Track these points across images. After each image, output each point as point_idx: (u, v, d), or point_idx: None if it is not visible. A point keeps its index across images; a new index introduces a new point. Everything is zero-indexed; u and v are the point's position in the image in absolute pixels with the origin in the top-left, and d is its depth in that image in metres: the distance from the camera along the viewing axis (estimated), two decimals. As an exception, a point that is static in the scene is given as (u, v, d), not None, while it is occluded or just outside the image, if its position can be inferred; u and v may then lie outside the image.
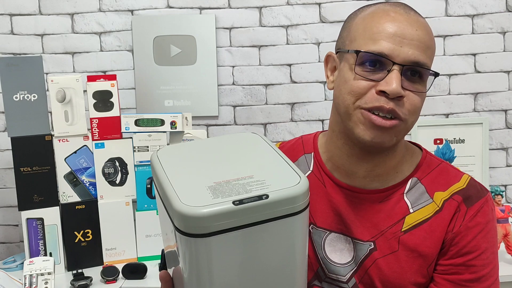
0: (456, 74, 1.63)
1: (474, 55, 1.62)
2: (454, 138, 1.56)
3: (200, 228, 0.53)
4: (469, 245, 0.69)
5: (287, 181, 0.57)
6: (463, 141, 1.56)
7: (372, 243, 0.71)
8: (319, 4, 1.61)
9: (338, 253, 0.73)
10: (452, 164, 1.51)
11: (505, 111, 1.64)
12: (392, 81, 0.65)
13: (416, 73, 0.67)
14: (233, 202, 0.53)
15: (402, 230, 0.71)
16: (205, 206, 0.53)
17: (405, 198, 0.72)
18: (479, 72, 1.62)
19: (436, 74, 0.69)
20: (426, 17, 1.79)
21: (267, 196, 0.54)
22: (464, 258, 0.69)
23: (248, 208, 0.54)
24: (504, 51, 1.61)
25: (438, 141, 1.56)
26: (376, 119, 0.66)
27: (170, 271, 0.69)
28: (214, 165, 0.63)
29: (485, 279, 0.69)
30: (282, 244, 0.57)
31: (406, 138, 0.78)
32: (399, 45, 0.66)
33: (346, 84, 0.69)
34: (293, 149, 0.82)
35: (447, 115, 1.64)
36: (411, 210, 0.71)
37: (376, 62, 0.67)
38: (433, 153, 0.82)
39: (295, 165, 0.62)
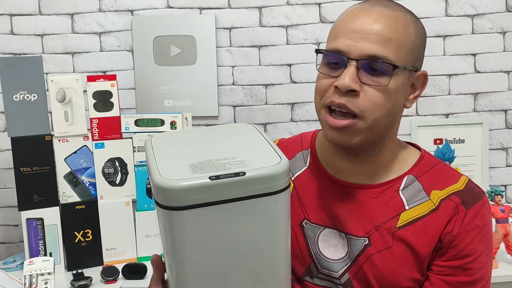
0: (456, 74, 1.63)
1: (474, 55, 1.62)
2: (454, 138, 1.56)
3: (176, 200, 0.55)
4: (467, 248, 0.69)
5: (267, 161, 0.59)
6: (463, 141, 1.56)
7: (366, 238, 0.71)
8: (319, 4, 1.61)
9: (332, 249, 0.73)
10: (453, 164, 1.51)
11: (505, 111, 1.63)
12: (345, 76, 0.66)
13: (376, 67, 0.66)
14: (210, 177, 0.55)
15: (397, 226, 0.71)
16: (182, 179, 0.55)
17: (401, 195, 0.72)
18: (479, 72, 1.62)
19: (394, 67, 0.66)
20: (426, 17, 1.78)
21: (243, 173, 0.56)
22: (462, 261, 0.69)
23: (224, 183, 0.55)
24: (504, 51, 1.61)
25: (438, 141, 1.56)
26: (329, 119, 0.68)
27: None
28: (200, 147, 0.65)
29: (479, 282, 0.70)
30: (261, 224, 0.58)
31: (406, 138, 0.78)
32: (354, 41, 0.66)
33: (315, 84, 0.71)
34: (292, 145, 0.83)
35: (447, 115, 1.64)
36: (406, 207, 0.71)
37: (335, 59, 0.68)
38: (433, 153, 0.83)
39: (279, 150, 0.63)
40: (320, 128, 0.85)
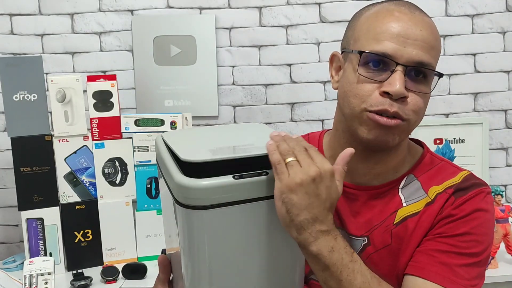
0: (456, 74, 1.63)
1: (474, 55, 1.62)
2: (454, 138, 1.56)
3: (199, 200, 0.54)
4: (445, 226, 0.68)
5: None
6: (463, 141, 1.56)
7: (365, 238, 0.72)
8: (319, 4, 1.61)
9: None
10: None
11: (505, 111, 1.63)
12: (396, 82, 0.64)
13: (420, 73, 0.67)
14: (233, 176, 0.54)
15: (394, 223, 0.71)
16: (205, 178, 0.54)
17: (400, 194, 0.72)
18: (479, 72, 1.62)
19: (440, 75, 0.68)
20: (426, 17, 1.73)
21: (266, 173, 0.55)
22: (435, 236, 0.68)
23: (247, 182, 0.54)
24: (504, 51, 1.61)
25: (438, 141, 1.56)
26: (380, 118, 0.66)
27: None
28: (216, 141, 0.65)
29: (455, 257, 0.66)
30: (280, 224, 0.58)
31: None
32: (402, 45, 0.65)
33: (350, 86, 0.69)
34: None
35: (447, 115, 1.64)
36: (404, 204, 0.71)
37: (380, 63, 0.66)
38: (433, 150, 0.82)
39: None
40: (324, 129, 0.85)
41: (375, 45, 0.66)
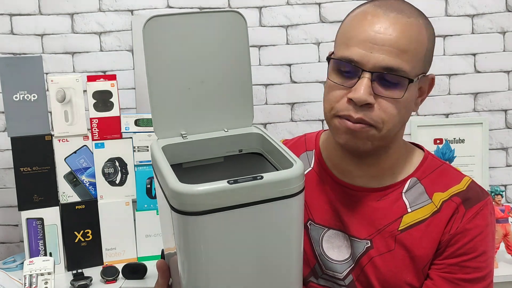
0: (456, 74, 1.63)
1: (474, 55, 1.62)
2: (454, 138, 1.56)
3: (194, 206, 0.54)
4: (465, 247, 0.69)
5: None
6: (463, 141, 1.56)
7: (368, 241, 0.71)
8: (319, 4, 1.61)
9: (335, 250, 0.73)
10: (452, 164, 1.51)
11: (505, 111, 1.64)
12: (360, 89, 0.64)
13: (391, 79, 0.65)
14: (228, 181, 0.54)
15: (399, 229, 0.71)
16: (199, 184, 0.54)
17: (404, 198, 0.72)
18: (479, 72, 1.63)
19: (410, 80, 0.65)
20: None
21: (261, 177, 0.56)
22: (459, 259, 0.69)
23: (242, 187, 0.54)
24: (504, 51, 1.61)
25: (438, 141, 1.56)
26: (347, 122, 0.66)
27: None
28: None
29: (478, 282, 0.69)
30: (275, 227, 0.58)
31: (406, 138, 0.78)
32: (369, 51, 0.64)
33: (325, 91, 0.70)
34: (295, 146, 0.82)
35: (447, 115, 1.64)
36: (409, 210, 0.71)
37: (348, 69, 0.66)
38: (433, 153, 0.83)
39: (291, 152, 0.63)
40: (323, 129, 0.85)
41: (344, 50, 0.66)
